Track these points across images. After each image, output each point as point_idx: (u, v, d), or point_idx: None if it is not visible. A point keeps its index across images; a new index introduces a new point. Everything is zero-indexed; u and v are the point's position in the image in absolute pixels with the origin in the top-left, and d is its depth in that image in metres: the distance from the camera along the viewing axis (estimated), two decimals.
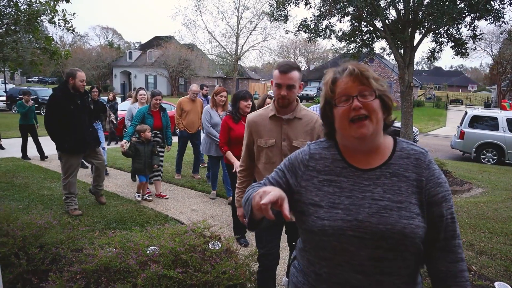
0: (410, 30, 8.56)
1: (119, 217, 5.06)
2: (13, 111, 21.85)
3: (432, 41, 9.24)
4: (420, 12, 8.26)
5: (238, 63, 38.64)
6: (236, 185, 2.79)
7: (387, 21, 8.79)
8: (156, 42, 46.21)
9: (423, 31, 8.80)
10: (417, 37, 8.85)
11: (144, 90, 7.16)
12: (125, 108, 9.54)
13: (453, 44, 9.03)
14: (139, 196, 5.96)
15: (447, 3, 7.48)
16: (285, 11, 9.93)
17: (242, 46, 37.96)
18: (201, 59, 40.53)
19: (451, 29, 8.80)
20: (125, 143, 5.68)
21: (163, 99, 7.06)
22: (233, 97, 4.57)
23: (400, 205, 1.22)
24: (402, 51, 8.83)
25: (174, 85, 43.27)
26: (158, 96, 6.04)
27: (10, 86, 28.58)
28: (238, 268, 2.92)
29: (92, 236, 4.04)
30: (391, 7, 8.66)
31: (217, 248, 3.18)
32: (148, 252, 2.96)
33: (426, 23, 8.54)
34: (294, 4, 9.59)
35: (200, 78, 40.59)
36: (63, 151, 5.13)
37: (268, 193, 1.10)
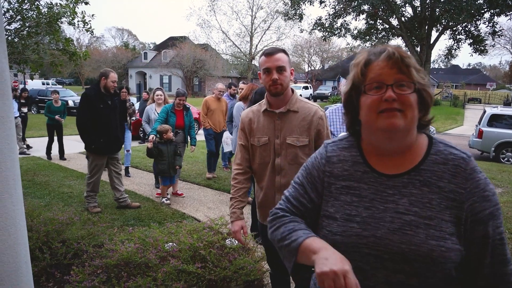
0: (426, 27, 8.49)
1: (137, 215, 5.15)
2: (32, 111, 22.33)
3: (450, 39, 9.15)
4: (437, 9, 8.18)
5: (252, 63, 38.71)
6: (231, 192, 2.40)
7: (403, 19, 8.72)
8: (171, 42, 46.61)
9: (440, 29, 8.71)
10: (434, 34, 8.78)
11: (161, 90, 7.00)
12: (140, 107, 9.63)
13: (471, 41, 8.92)
14: (167, 200, 5.84)
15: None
16: (300, 10, 9.95)
17: (256, 46, 38.08)
18: (216, 59, 40.73)
19: (469, 26, 8.69)
20: (153, 137, 5.61)
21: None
22: (254, 94, 4.46)
23: (429, 222, 1.01)
24: (418, 49, 8.75)
25: (189, 85, 43.61)
26: (182, 96, 5.99)
27: (35, 86, 29.10)
28: (256, 264, 2.95)
29: (112, 232, 4.13)
30: (407, 5, 8.61)
31: (234, 244, 3.22)
32: (167, 247, 3.02)
33: (443, 20, 8.46)
34: (309, 2, 9.60)
35: (214, 78, 40.80)
36: (90, 151, 5.15)
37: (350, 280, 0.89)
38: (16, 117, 9.15)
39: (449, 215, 1.01)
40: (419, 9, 8.37)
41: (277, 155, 2.25)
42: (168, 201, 5.80)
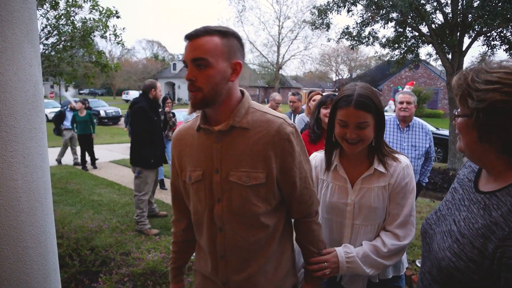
0: (458, 34, 8.23)
1: (164, 223, 5.21)
2: None
3: (483, 45, 8.81)
4: (470, 15, 7.92)
5: (280, 72, 38.80)
6: (170, 264, 1.78)
7: (433, 26, 8.50)
8: None
9: (473, 35, 8.42)
10: (466, 41, 8.49)
11: None
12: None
13: (507, 47, 8.56)
14: None
15: (500, 4, 7.12)
16: (327, 19, 9.89)
17: (284, 55, 38.15)
18: (243, 69, 41.00)
19: (504, 31, 8.36)
20: None
21: None
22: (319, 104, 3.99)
23: (460, 238, 1.07)
24: (450, 56, 8.49)
25: None
26: None
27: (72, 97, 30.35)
28: None
29: (139, 241, 4.19)
30: (437, 11, 8.38)
31: None
32: (192, 257, 3.02)
33: (476, 26, 8.17)
34: (336, 12, 9.53)
35: (242, 87, 40.97)
36: (147, 166, 4.76)
37: None
38: (69, 129, 9.29)
39: (481, 243, 1.00)
40: (451, 15, 8.11)
41: (218, 201, 1.39)
42: None
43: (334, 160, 1.70)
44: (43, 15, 6.03)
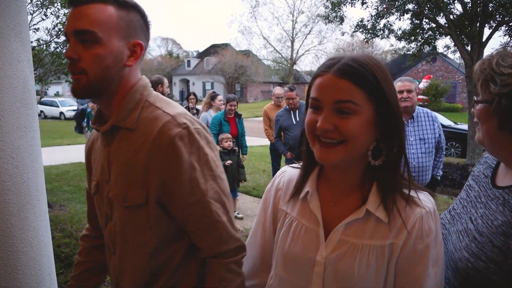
0: (478, 24, 7.92)
1: None
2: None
3: (505, 35, 8.47)
4: (491, 4, 7.62)
5: (294, 68, 38.55)
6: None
7: (451, 16, 8.21)
8: (213, 50, 47.49)
9: (494, 25, 8.10)
10: (487, 31, 8.17)
11: (222, 96, 6.21)
12: None
13: None
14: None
15: None
16: (341, 12, 9.68)
17: (298, 50, 37.90)
18: (257, 64, 40.98)
19: None
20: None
21: None
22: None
23: (478, 237, 1.00)
24: (469, 48, 8.19)
25: (231, 91, 44.15)
26: (233, 101, 5.47)
27: None
28: None
29: None
30: (456, 1, 8.09)
31: None
32: None
33: (497, 16, 7.85)
34: (350, 4, 9.32)
35: (256, 83, 41.05)
36: None
37: None
38: (86, 126, 9.25)
39: (502, 242, 0.94)
40: (470, 5, 7.81)
41: (109, 218, 1.15)
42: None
43: (308, 182, 1.02)
44: (53, 13, 6.03)
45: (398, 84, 3.22)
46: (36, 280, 1.55)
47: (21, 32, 1.47)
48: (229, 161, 4.99)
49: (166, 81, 4.83)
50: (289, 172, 1.12)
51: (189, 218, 1.04)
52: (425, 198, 0.93)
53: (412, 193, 0.93)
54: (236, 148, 5.35)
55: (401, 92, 3.16)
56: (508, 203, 0.98)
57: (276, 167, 6.22)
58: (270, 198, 1.13)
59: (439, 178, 3.44)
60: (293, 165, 1.14)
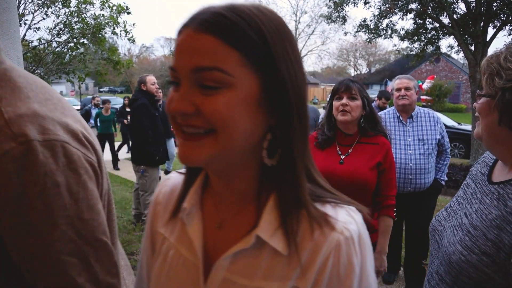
0: (482, 24, 7.85)
1: None
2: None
3: (509, 35, 8.39)
4: (495, 3, 7.54)
5: None
6: None
7: (455, 16, 8.14)
8: None
9: (498, 24, 8.02)
10: (491, 31, 8.10)
11: None
12: None
13: None
14: None
15: None
16: (343, 12, 9.63)
17: (301, 51, 37.75)
18: None
19: None
20: None
21: None
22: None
23: (472, 230, 1.01)
24: (472, 47, 8.12)
25: None
26: None
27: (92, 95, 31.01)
28: None
29: None
30: (459, 0, 8.02)
31: None
32: None
33: (501, 15, 7.78)
34: (353, 4, 9.27)
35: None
36: (152, 164, 4.62)
37: None
38: (93, 127, 8.99)
39: (495, 235, 0.95)
40: (473, 4, 7.74)
41: None
42: None
43: (190, 195, 0.71)
44: (54, 13, 6.02)
45: (396, 82, 3.13)
46: None
47: (10, 29, 1.43)
48: None
49: (149, 78, 4.69)
50: (173, 180, 0.80)
51: (33, 276, 0.70)
52: (347, 218, 0.62)
53: (329, 209, 0.62)
54: None
55: (398, 89, 3.06)
56: (502, 197, 0.99)
57: None
58: (148, 216, 0.82)
59: (443, 182, 3.24)
60: (182, 169, 0.79)
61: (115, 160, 8.93)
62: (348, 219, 0.62)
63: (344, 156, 2.03)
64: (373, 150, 2.01)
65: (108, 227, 0.80)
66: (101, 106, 9.16)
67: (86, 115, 9.40)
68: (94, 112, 9.23)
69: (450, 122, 10.73)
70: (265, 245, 0.61)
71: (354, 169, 1.95)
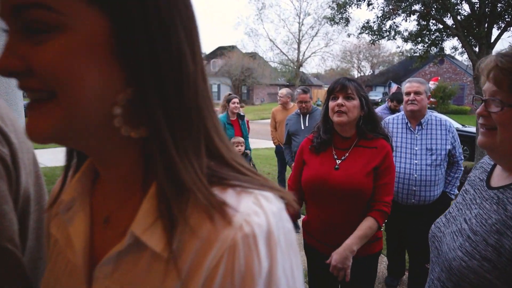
0: (486, 25, 7.79)
1: None
2: None
3: None
4: (500, 4, 7.48)
5: (300, 70, 38.53)
6: None
7: (459, 17, 8.09)
8: (220, 52, 47.63)
9: (503, 25, 7.96)
10: (495, 32, 8.03)
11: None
12: None
13: None
14: None
15: None
16: (346, 13, 9.60)
17: (304, 53, 37.88)
18: (263, 67, 41.03)
19: None
20: None
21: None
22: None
23: (472, 235, 0.99)
24: (477, 49, 8.05)
25: (237, 93, 44.24)
26: (235, 99, 5.19)
27: None
28: None
29: None
30: (463, 1, 7.96)
31: None
32: None
33: (506, 16, 7.71)
34: (356, 5, 9.24)
35: (262, 85, 41.08)
36: None
37: None
38: None
39: (496, 240, 0.92)
40: (478, 5, 7.68)
41: None
42: None
43: (71, 185, 0.56)
44: None
45: (406, 85, 2.93)
46: None
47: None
48: None
49: None
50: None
51: None
52: (252, 207, 0.45)
53: (230, 196, 0.46)
54: (248, 151, 5.07)
55: (408, 94, 2.85)
56: (502, 201, 0.96)
57: (281, 171, 6.10)
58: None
59: (452, 196, 2.98)
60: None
61: None
62: (253, 209, 0.45)
63: (340, 161, 1.90)
64: (371, 154, 1.86)
65: (35, 234, 0.69)
66: None
67: None
68: None
69: (454, 124, 10.66)
70: (144, 245, 0.46)
71: (349, 175, 1.83)
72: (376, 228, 1.83)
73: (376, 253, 1.98)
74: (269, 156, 10.04)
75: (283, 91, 5.59)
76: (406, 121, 2.91)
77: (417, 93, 2.81)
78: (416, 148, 2.81)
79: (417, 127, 2.86)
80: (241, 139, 4.89)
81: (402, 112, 3.00)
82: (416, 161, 2.80)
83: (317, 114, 4.35)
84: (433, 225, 1.23)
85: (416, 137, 2.84)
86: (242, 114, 5.45)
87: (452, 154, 2.86)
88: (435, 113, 2.96)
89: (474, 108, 1.04)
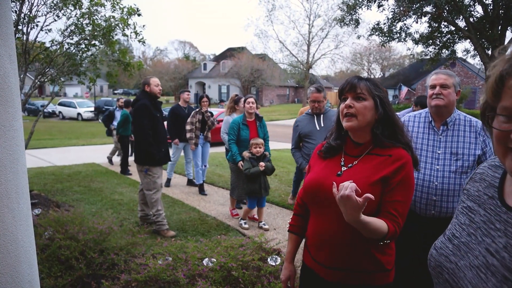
0: (500, 27, 7.64)
1: (181, 225, 5.07)
2: (99, 121, 23.91)
3: None
4: None
5: (310, 72, 38.34)
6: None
7: (471, 19, 7.94)
8: (229, 53, 47.69)
9: None
10: (509, 34, 7.88)
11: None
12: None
13: None
14: (245, 224, 5.14)
15: None
16: (356, 15, 9.50)
17: (314, 54, 37.68)
18: (273, 68, 40.91)
19: None
20: (247, 155, 4.87)
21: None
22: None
23: (508, 275, 0.80)
24: (489, 51, 7.90)
25: (246, 94, 44.16)
26: (250, 99, 5.15)
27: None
28: None
29: (153, 243, 4.06)
30: (476, 3, 7.82)
31: (277, 263, 2.96)
32: (204, 263, 2.84)
33: None
34: (366, 7, 9.14)
35: (271, 87, 40.98)
36: (154, 164, 4.63)
37: None
38: (114, 129, 9.09)
39: None
40: (491, 7, 7.53)
41: None
42: (246, 225, 5.09)
43: None
44: (65, 14, 6.04)
45: (431, 77, 2.51)
46: None
47: (1, 25, 1.38)
48: (262, 164, 4.75)
49: (153, 80, 4.66)
50: None
51: None
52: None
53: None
54: (267, 153, 4.99)
55: (433, 87, 2.43)
56: None
57: (298, 174, 6.11)
58: None
59: None
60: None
61: (126, 165, 8.54)
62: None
63: (345, 168, 1.64)
64: (382, 162, 1.58)
65: None
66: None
67: (109, 116, 9.42)
68: (118, 114, 9.11)
69: (480, 123, 10.46)
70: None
71: None
72: (384, 233, 1.45)
73: (387, 285, 1.63)
74: (277, 158, 10.00)
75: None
76: (430, 119, 2.48)
77: (443, 86, 2.40)
78: (439, 152, 2.40)
79: (441, 127, 2.44)
80: (260, 141, 4.89)
81: (427, 109, 2.56)
82: (437, 167, 2.38)
83: (331, 115, 4.18)
84: (433, 250, 1.04)
85: (440, 138, 2.43)
86: (260, 115, 5.36)
87: (481, 161, 2.37)
88: (464, 113, 2.56)
89: None
